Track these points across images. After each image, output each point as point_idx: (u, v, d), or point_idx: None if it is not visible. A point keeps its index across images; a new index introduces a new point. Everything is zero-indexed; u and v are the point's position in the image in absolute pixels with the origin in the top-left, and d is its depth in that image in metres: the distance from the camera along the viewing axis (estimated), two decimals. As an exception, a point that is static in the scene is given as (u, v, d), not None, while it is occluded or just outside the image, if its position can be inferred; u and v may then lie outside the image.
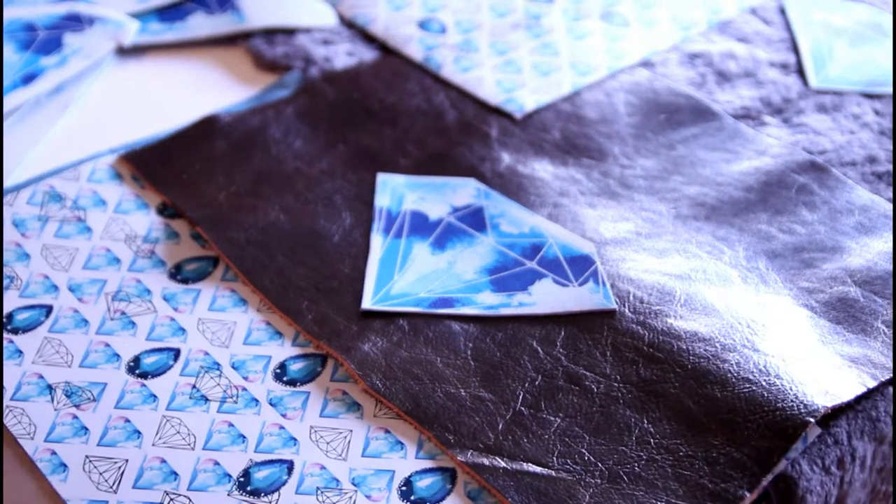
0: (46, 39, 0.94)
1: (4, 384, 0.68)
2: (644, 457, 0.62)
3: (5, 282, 0.75)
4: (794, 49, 0.95)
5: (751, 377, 0.65)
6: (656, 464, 0.62)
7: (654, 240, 0.76)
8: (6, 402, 0.67)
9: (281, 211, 0.78)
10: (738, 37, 0.97)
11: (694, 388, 0.65)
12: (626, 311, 0.70)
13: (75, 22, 0.96)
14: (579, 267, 0.73)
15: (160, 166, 0.82)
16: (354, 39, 0.97)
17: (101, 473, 0.63)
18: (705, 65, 0.93)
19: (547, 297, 0.71)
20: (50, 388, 0.68)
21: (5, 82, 0.90)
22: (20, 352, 0.70)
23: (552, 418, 0.65)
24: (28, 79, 0.91)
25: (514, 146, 0.84)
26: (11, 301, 0.73)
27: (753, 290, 0.72)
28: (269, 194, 0.80)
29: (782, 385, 0.64)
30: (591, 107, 0.88)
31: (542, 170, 0.82)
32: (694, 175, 0.82)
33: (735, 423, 0.63)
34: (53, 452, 0.64)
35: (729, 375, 0.65)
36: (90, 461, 0.64)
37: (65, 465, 0.64)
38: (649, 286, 0.72)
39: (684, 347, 0.67)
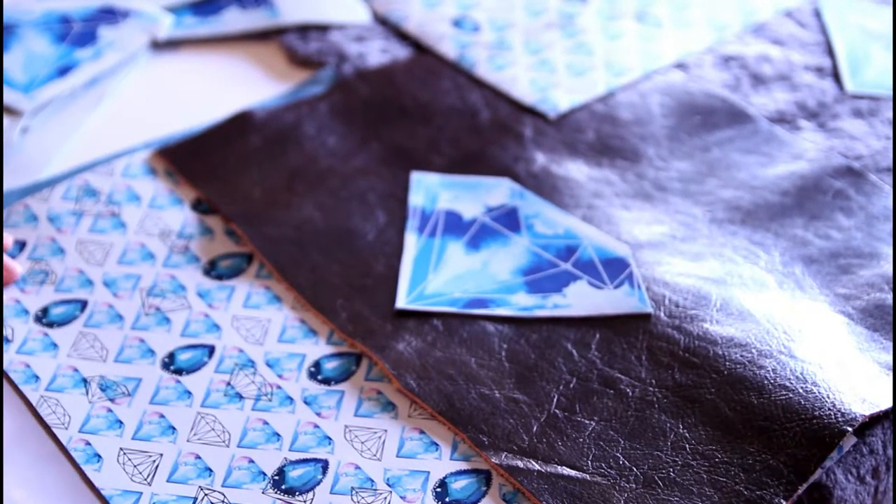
0: (81, 32, 0.95)
1: (40, 375, 0.68)
2: (679, 462, 0.62)
3: (40, 276, 0.75)
4: (830, 53, 0.94)
5: (787, 384, 0.65)
6: (692, 469, 0.62)
7: (690, 243, 0.76)
8: (41, 392, 0.67)
9: (315, 208, 0.79)
10: (772, 39, 0.96)
11: (730, 395, 0.65)
12: (662, 314, 0.70)
13: (110, 15, 0.96)
14: (614, 269, 0.73)
15: (194, 161, 0.83)
16: (388, 36, 0.97)
17: (135, 466, 0.63)
18: (740, 67, 0.93)
19: (582, 299, 0.71)
20: (85, 381, 0.68)
21: (42, 73, 0.91)
22: (55, 345, 0.70)
23: (587, 421, 0.65)
24: (63, 71, 0.91)
25: (548, 146, 0.84)
26: (47, 296, 0.73)
27: (790, 295, 0.72)
28: (303, 191, 0.80)
29: (819, 393, 0.64)
30: (626, 108, 0.88)
31: (576, 170, 0.82)
32: (729, 178, 0.81)
33: (771, 431, 0.63)
34: (87, 443, 0.65)
35: (765, 382, 0.65)
36: (124, 453, 0.64)
37: (99, 456, 0.64)
38: (685, 290, 0.71)
39: (720, 353, 0.67)
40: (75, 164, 0.84)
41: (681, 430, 0.64)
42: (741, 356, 0.67)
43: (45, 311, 0.72)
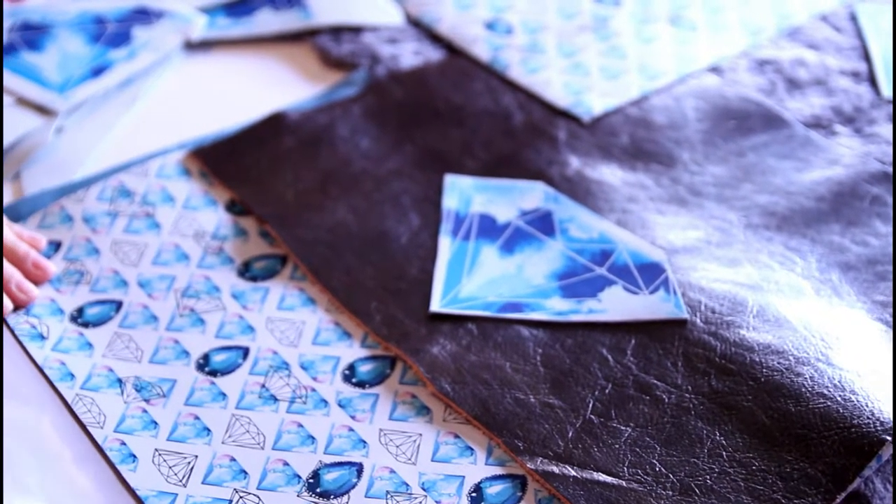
0: (116, 32, 0.95)
1: (75, 373, 0.69)
2: (716, 469, 0.62)
3: (75, 276, 0.75)
4: (866, 57, 0.94)
5: (825, 392, 0.64)
6: (728, 477, 0.61)
7: (725, 248, 0.75)
8: (76, 390, 0.67)
9: (349, 210, 0.79)
10: (808, 43, 0.96)
11: (767, 402, 0.64)
12: (698, 320, 0.69)
13: (144, 16, 0.97)
14: (650, 274, 0.73)
15: (228, 163, 0.83)
16: (421, 38, 0.96)
17: (170, 467, 0.63)
18: (775, 71, 0.92)
19: (617, 304, 0.71)
20: (120, 381, 0.68)
21: (76, 73, 0.91)
22: (90, 345, 0.70)
23: (623, 427, 0.64)
24: (98, 71, 0.91)
25: (582, 150, 0.84)
26: (82, 296, 0.74)
27: (826, 302, 0.71)
28: (336, 193, 0.80)
29: (857, 401, 0.63)
30: (660, 111, 0.88)
31: (610, 174, 0.82)
32: (764, 183, 0.81)
33: (809, 439, 0.62)
34: (123, 443, 0.65)
35: (803, 390, 0.64)
36: (159, 454, 0.64)
37: (134, 456, 0.64)
38: (721, 296, 0.71)
39: (757, 360, 0.66)
40: (109, 164, 0.84)
41: (717, 438, 0.63)
42: (778, 363, 0.66)
43: (80, 311, 0.73)
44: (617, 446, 0.63)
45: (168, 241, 0.77)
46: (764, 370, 0.66)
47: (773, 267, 0.74)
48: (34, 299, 0.73)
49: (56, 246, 0.77)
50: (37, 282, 0.74)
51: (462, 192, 0.80)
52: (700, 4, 0.99)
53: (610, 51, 0.94)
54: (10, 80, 0.90)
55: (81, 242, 0.78)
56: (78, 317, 0.72)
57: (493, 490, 0.62)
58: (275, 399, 0.67)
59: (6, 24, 0.95)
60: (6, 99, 0.88)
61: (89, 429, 0.65)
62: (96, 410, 0.66)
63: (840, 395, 0.64)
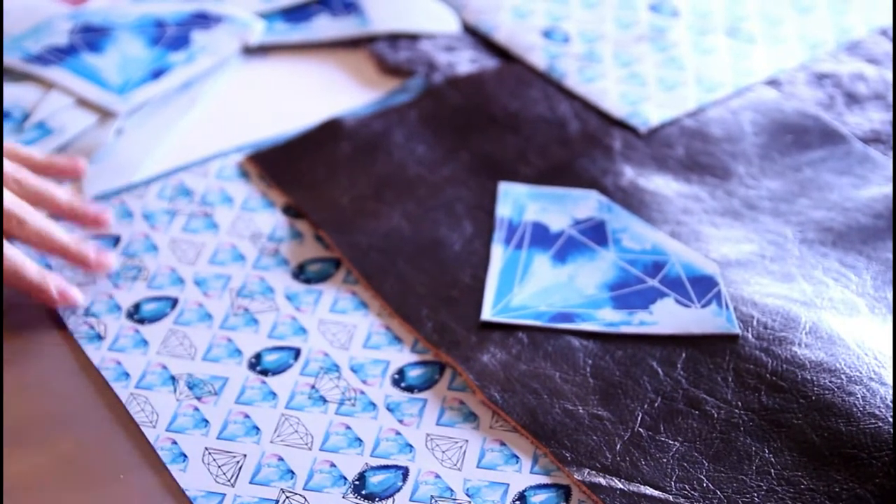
0: (175, 36, 0.96)
1: (130, 372, 0.70)
2: (764, 487, 0.61)
3: (133, 272, 0.76)
4: (928, 73, 0.93)
5: (877, 412, 0.64)
6: (776, 495, 0.61)
7: (779, 263, 0.75)
8: (131, 389, 0.69)
9: (403, 217, 0.79)
10: (867, 58, 0.95)
11: (818, 420, 0.64)
12: (750, 336, 0.69)
13: (203, 20, 0.98)
14: (702, 288, 0.72)
15: (285, 167, 0.84)
16: (477, 46, 0.97)
17: (219, 466, 0.64)
18: (834, 86, 0.92)
19: (668, 317, 0.71)
20: (173, 378, 0.69)
21: (136, 76, 0.92)
22: (145, 342, 0.72)
23: (671, 442, 0.64)
24: (157, 74, 0.93)
25: (636, 160, 0.84)
26: (139, 292, 0.75)
27: (881, 320, 0.70)
28: (391, 199, 0.81)
29: (910, 422, 0.63)
30: (717, 124, 0.87)
31: (664, 186, 0.81)
32: (821, 199, 0.80)
33: (859, 459, 0.62)
34: (174, 442, 0.66)
35: (854, 409, 0.64)
36: (209, 453, 0.65)
37: (185, 456, 0.65)
38: (773, 311, 0.70)
39: (809, 377, 0.66)
40: (168, 166, 0.86)
41: (766, 455, 0.63)
42: (830, 381, 0.66)
43: (136, 307, 0.74)
44: (665, 460, 0.63)
45: (225, 241, 0.79)
46: (815, 388, 0.65)
47: (827, 283, 0.73)
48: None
49: (115, 240, 0.79)
50: (98, 270, 0.75)
51: (516, 200, 0.80)
52: (758, 17, 0.99)
53: (667, 62, 0.94)
54: (70, 80, 0.91)
55: (140, 238, 0.79)
56: (134, 313, 0.74)
57: (537, 499, 0.62)
58: (324, 400, 0.68)
59: (67, 26, 0.96)
60: (66, 100, 0.90)
61: (142, 428, 0.66)
62: (149, 409, 0.68)
63: (892, 416, 0.63)
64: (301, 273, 0.76)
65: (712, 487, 0.62)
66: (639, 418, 0.65)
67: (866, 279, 0.73)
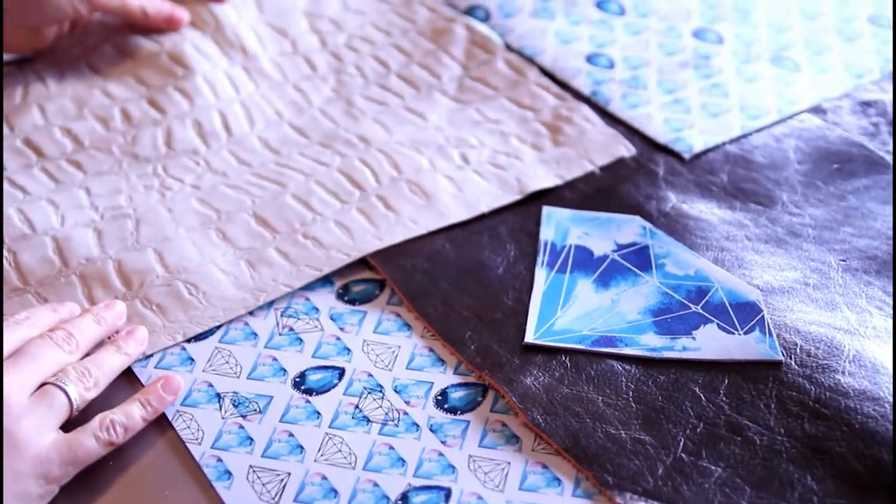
0: None
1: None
2: (806, 514, 0.61)
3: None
4: (974, 102, 0.92)
5: (922, 442, 0.63)
6: (819, 523, 0.61)
7: (822, 291, 0.75)
8: (177, 406, 0.70)
9: (447, 240, 0.80)
10: (913, 86, 0.95)
11: (860, 449, 0.64)
12: (793, 363, 0.69)
13: None
14: (745, 314, 0.72)
15: (331, 188, 0.85)
16: (522, 71, 0.97)
17: (263, 484, 0.65)
18: (878, 114, 0.91)
19: (711, 343, 0.71)
20: (218, 396, 0.70)
21: None
22: (192, 359, 0.73)
23: (713, 467, 0.64)
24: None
25: (680, 186, 0.84)
26: (187, 310, 0.76)
27: (926, 350, 0.70)
28: (435, 222, 0.81)
29: (955, 452, 0.63)
30: (760, 151, 0.87)
31: (708, 212, 0.82)
32: (865, 227, 0.80)
33: (903, 488, 0.62)
34: (219, 459, 0.66)
35: (899, 438, 0.64)
36: (254, 471, 0.66)
37: (229, 473, 0.66)
38: (817, 339, 0.70)
39: (852, 406, 0.66)
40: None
41: (808, 482, 0.63)
42: (873, 410, 0.65)
43: (184, 326, 0.75)
44: (707, 486, 0.63)
45: (270, 261, 0.80)
46: (858, 416, 0.65)
47: (870, 312, 0.73)
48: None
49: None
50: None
51: (559, 224, 0.81)
52: (803, 45, 0.99)
53: (711, 88, 0.94)
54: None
55: (187, 259, 0.80)
56: (181, 331, 0.75)
57: (580, 522, 0.62)
58: (368, 420, 0.68)
59: None
60: None
61: (188, 445, 0.67)
62: (195, 426, 0.68)
63: (937, 446, 0.63)
64: (346, 294, 0.77)
65: (754, 514, 0.62)
66: (681, 443, 0.65)
67: (911, 308, 0.73)
